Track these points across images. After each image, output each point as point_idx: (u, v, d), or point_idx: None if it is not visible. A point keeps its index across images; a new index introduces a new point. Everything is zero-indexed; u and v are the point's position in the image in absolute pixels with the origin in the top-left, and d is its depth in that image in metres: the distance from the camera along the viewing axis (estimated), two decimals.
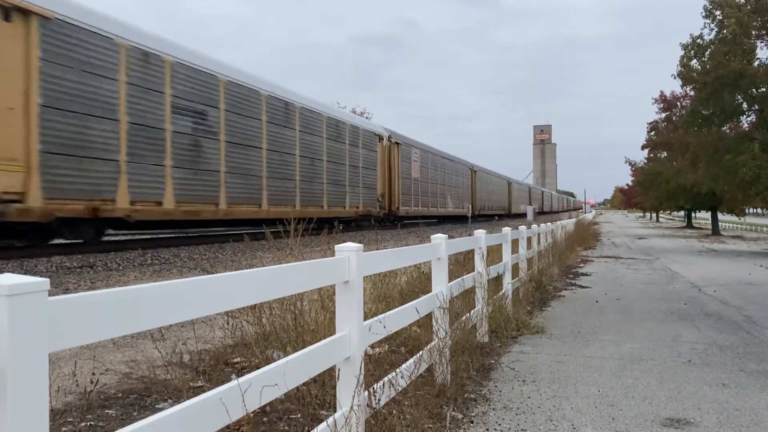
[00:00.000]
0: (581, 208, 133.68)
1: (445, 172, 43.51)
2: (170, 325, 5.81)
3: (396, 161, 33.04)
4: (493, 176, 62.29)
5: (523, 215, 68.11)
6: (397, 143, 33.76)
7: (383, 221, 32.02)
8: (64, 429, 3.77)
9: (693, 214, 64.94)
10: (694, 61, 25.87)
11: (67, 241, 14.69)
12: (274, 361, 3.09)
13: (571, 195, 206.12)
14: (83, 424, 3.89)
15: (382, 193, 31.21)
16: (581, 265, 18.18)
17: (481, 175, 55.57)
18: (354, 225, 28.20)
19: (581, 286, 13.06)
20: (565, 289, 12.49)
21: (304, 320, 4.96)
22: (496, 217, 61.30)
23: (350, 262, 3.56)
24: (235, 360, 5.24)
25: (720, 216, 48.57)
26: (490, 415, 4.75)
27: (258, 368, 2.85)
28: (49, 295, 1.68)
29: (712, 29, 25.40)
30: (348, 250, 3.58)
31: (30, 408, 1.60)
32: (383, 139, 31.84)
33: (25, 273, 8.78)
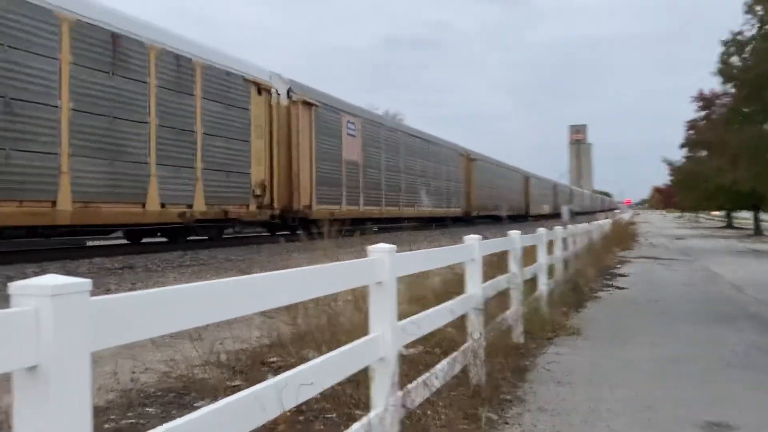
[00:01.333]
0: (618, 208, 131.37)
1: (416, 158, 31.50)
2: (207, 325, 5.89)
3: (306, 132, 20.12)
4: (502, 168, 49.64)
5: (546, 217, 59.29)
6: (308, 103, 20.45)
7: (273, 227, 20.66)
8: (106, 426, 3.87)
9: (734, 214, 63.37)
10: (735, 57, 25.33)
11: (109, 243, 14.99)
12: (310, 360, 3.12)
13: (607, 195, 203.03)
14: (124, 421, 3.98)
15: (264, 182, 18.18)
16: (618, 265, 17.91)
17: (483, 165, 43.69)
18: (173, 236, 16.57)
19: (618, 287, 12.87)
20: (602, 290, 12.32)
21: (338, 320, 5.00)
22: (529, 218, 52.60)
23: (383, 263, 3.57)
24: (271, 359, 5.31)
25: (763, 215, 47.32)
26: (525, 416, 4.72)
27: (294, 368, 2.88)
28: (91, 295, 1.73)
29: (753, 25, 24.84)
30: (381, 251, 3.60)
31: (74, 405, 1.64)
32: (269, 91, 18.86)
33: (68, 274, 8.99)
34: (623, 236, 29.97)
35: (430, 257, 4.83)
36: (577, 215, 67.99)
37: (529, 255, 9.44)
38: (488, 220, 43.19)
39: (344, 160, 23.73)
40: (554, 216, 65.10)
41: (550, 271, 10.52)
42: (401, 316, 4.00)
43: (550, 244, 10.76)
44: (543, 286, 9.15)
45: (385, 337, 3.53)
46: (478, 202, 41.93)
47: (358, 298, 5.22)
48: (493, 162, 47.92)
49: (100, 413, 3.97)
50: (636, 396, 5.28)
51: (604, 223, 27.38)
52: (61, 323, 1.61)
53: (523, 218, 52.63)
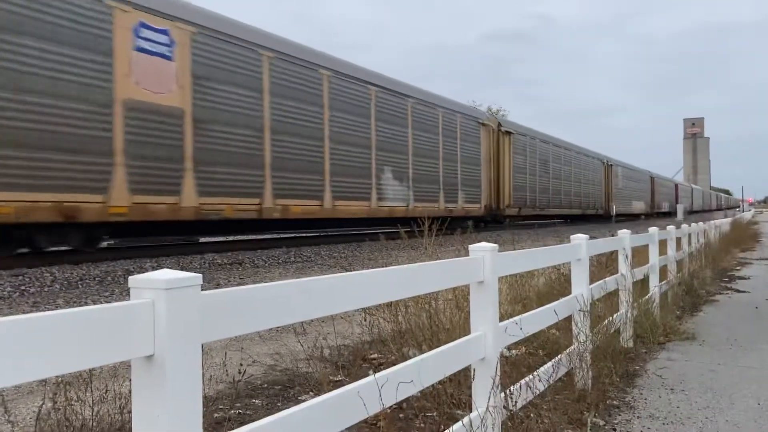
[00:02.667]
0: (738, 207, 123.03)
1: (364, 117, 18.44)
2: (311, 320, 6.05)
3: None
4: (561, 149, 35.34)
5: (638, 218, 50.26)
6: None
7: None
8: (216, 415, 4.04)
9: None
10: None
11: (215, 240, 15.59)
12: (410, 358, 3.13)
13: (727, 192, 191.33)
14: (233, 411, 4.14)
15: None
16: (738, 267, 16.82)
17: (524, 141, 29.84)
18: None
19: (738, 290, 12.08)
20: (719, 294, 11.61)
21: (438, 319, 4.98)
22: (612, 220, 40.56)
23: (484, 262, 3.52)
24: (372, 356, 5.36)
25: None
26: (634, 424, 4.52)
27: (394, 365, 2.89)
28: (202, 289, 1.81)
29: None
30: (482, 250, 3.55)
31: (186, 393, 1.72)
32: None
33: (181, 269, 9.48)
34: (744, 236, 28.15)
35: (533, 257, 4.71)
36: (691, 214, 60.48)
37: (639, 255, 9.05)
38: (532, 222, 31.71)
39: (125, 101, 11.61)
40: (652, 216, 55.27)
41: (663, 272, 10.05)
42: (503, 316, 3.93)
43: (663, 244, 10.27)
44: (654, 287, 8.73)
45: (487, 337, 3.48)
46: (518, 195, 28.55)
47: (459, 297, 5.18)
48: (543, 139, 33.25)
49: (209, 402, 4.15)
50: (760, 407, 4.93)
51: (721, 222, 25.83)
52: (174, 315, 1.69)
53: (600, 219, 41.77)
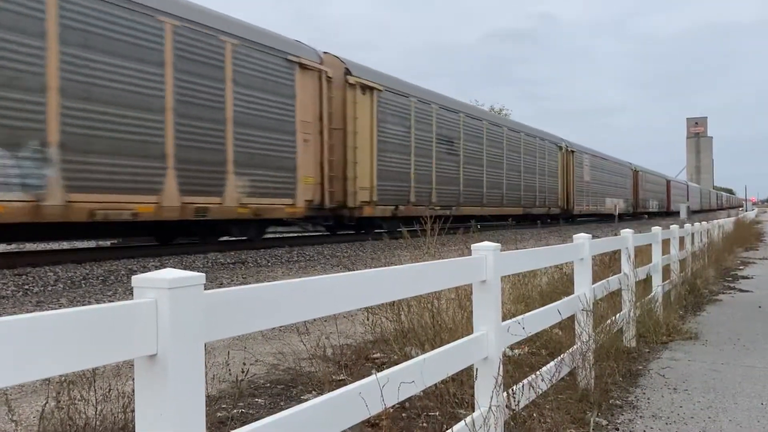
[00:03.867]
0: (740, 206, 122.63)
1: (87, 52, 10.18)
2: (314, 320, 6.05)
3: None
4: (488, 124, 25.59)
5: (609, 219, 41.54)
6: None
7: None
8: (218, 414, 4.05)
9: None
10: None
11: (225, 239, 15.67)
12: (413, 357, 3.13)
13: (730, 192, 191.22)
14: (235, 411, 4.15)
15: None
16: (741, 267, 16.79)
17: (401, 104, 19.30)
18: None
19: (741, 290, 12.06)
20: (723, 293, 11.59)
21: (441, 319, 4.98)
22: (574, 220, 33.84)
23: (487, 261, 3.52)
24: (375, 355, 5.37)
25: None
26: (637, 423, 4.51)
27: (397, 364, 2.89)
28: (205, 288, 1.81)
29: None
30: (485, 249, 3.55)
31: (188, 393, 1.72)
32: None
33: (184, 268, 9.48)
34: (747, 236, 28.11)
35: (535, 256, 4.71)
36: (693, 214, 57.37)
37: (643, 254, 9.03)
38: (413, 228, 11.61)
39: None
40: (631, 216, 47.84)
41: (666, 271, 10.04)
42: (506, 315, 3.93)
43: (665, 244, 10.26)
44: (657, 287, 8.72)
45: (489, 336, 3.48)
46: (391, 187, 18.76)
47: (462, 296, 5.18)
48: (447, 105, 22.69)
49: (212, 402, 4.15)
50: (764, 407, 4.92)
51: (724, 221, 25.79)
52: (178, 314, 1.69)
53: (557, 220, 34.08)
